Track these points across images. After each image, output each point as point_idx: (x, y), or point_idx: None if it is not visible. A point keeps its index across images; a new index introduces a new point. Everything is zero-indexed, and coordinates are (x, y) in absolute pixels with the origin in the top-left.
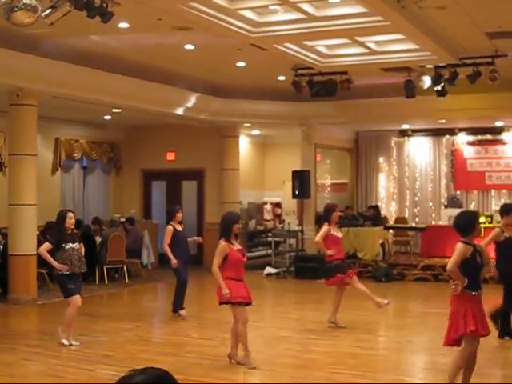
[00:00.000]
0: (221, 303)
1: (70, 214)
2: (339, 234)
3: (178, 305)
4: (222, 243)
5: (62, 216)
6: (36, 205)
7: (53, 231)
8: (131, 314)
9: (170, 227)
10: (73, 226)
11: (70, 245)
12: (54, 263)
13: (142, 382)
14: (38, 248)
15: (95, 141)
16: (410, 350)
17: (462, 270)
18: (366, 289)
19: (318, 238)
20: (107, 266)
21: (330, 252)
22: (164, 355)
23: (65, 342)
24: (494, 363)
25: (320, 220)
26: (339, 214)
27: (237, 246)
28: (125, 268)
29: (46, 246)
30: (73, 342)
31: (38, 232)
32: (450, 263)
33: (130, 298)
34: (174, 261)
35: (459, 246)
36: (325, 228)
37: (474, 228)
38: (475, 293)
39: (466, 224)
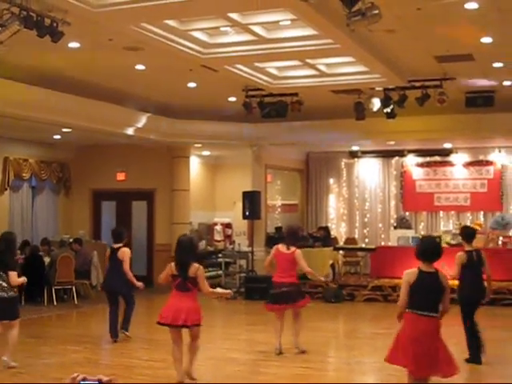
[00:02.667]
0: (197, 325)
1: None
2: None
3: (128, 324)
4: (201, 267)
5: (13, 239)
6: None
7: (5, 255)
8: (80, 336)
9: (128, 250)
10: None
11: None
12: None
13: None
14: None
15: (44, 160)
16: (359, 370)
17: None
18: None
19: (306, 265)
20: (56, 287)
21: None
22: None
23: (14, 363)
24: None
25: (273, 240)
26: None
27: None
28: (74, 289)
29: (16, 274)
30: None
31: None
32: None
33: (79, 319)
34: (139, 283)
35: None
36: (300, 252)
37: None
38: None
39: (438, 252)
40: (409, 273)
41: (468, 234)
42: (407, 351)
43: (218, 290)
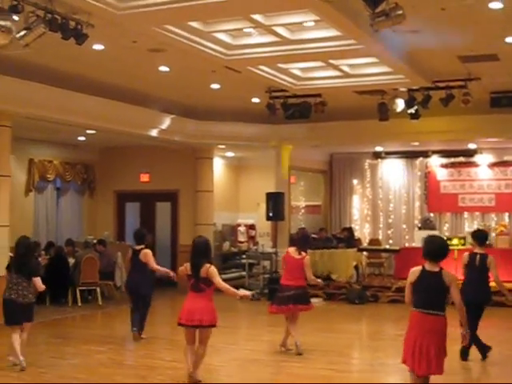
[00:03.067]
0: (214, 326)
1: None
2: None
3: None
4: (213, 266)
5: (32, 243)
6: (9, 226)
7: (27, 259)
8: (104, 336)
9: (150, 251)
10: None
11: None
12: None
13: None
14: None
15: (69, 162)
16: (383, 372)
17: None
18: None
19: (311, 273)
20: (80, 288)
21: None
22: (137, 378)
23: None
24: None
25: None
26: (313, 236)
27: None
28: (98, 290)
29: (39, 279)
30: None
31: (10, 253)
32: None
33: (103, 319)
34: (172, 273)
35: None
36: (309, 258)
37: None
38: None
39: (443, 252)
40: (412, 271)
41: (478, 236)
42: (409, 348)
43: (240, 291)
